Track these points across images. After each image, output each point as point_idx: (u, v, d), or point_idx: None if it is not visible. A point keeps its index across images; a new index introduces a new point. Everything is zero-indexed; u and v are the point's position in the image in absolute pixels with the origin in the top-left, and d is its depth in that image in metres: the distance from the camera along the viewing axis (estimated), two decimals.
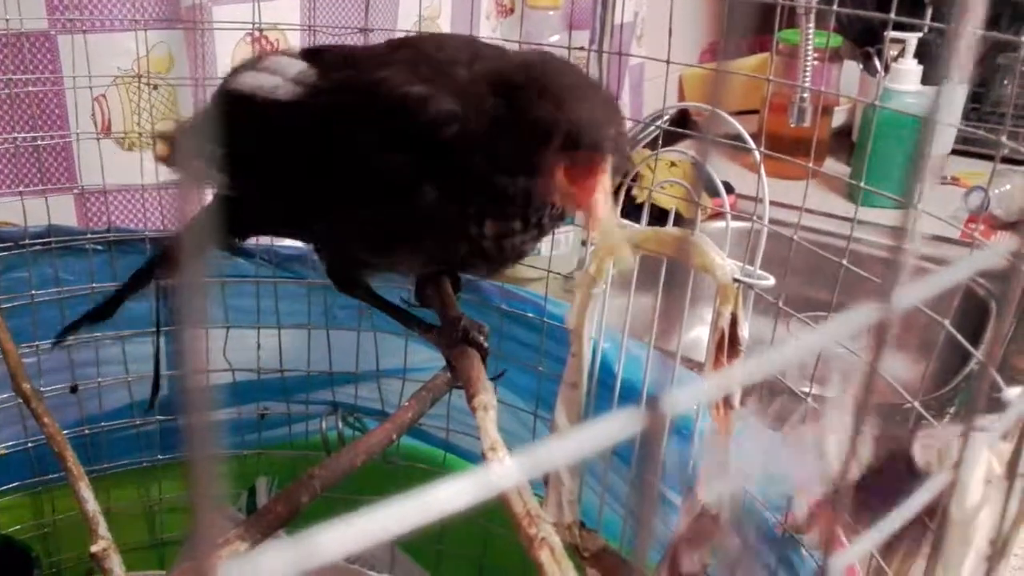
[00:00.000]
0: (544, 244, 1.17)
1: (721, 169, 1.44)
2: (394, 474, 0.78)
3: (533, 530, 0.43)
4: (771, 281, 0.59)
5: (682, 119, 1.58)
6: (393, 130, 0.47)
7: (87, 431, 0.76)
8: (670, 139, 1.28)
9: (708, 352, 0.62)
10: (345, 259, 0.57)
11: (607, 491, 0.72)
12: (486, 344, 0.54)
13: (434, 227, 0.49)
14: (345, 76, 0.50)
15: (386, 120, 0.48)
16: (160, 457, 0.80)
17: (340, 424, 0.81)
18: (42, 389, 0.71)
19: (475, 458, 0.68)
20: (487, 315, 0.73)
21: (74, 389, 0.72)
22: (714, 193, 1.37)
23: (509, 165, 0.46)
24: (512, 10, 1.17)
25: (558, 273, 0.73)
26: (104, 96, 0.83)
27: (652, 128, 1.20)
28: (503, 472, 0.16)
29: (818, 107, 1.43)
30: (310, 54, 0.53)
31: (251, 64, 0.54)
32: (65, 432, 0.73)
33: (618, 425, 0.14)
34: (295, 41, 1.00)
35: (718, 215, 1.35)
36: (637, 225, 0.66)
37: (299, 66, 0.52)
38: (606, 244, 0.53)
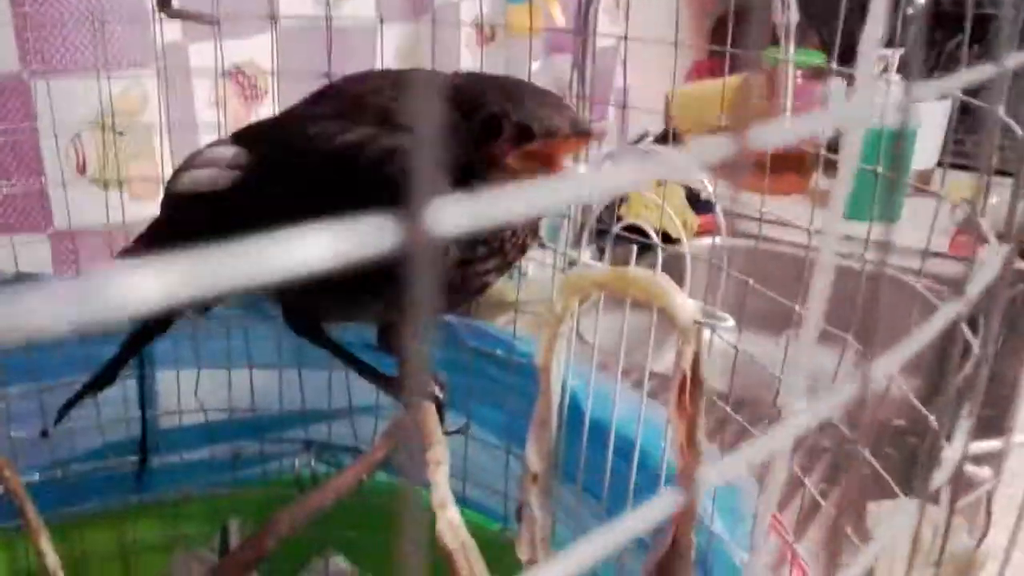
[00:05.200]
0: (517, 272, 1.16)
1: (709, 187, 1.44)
2: (366, 510, 0.77)
3: None
4: (730, 323, 0.59)
5: (668, 139, 1.58)
6: (334, 182, 0.47)
7: (59, 474, 0.76)
8: None
9: (671, 393, 0.62)
10: (303, 309, 0.57)
11: (581, 528, 0.72)
12: (441, 396, 0.54)
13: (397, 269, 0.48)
14: (273, 146, 0.50)
15: (326, 174, 0.48)
16: (134, 498, 0.80)
17: (314, 462, 0.81)
18: (12, 435, 0.71)
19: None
20: (455, 352, 0.72)
21: (44, 433, 0.72)
22: (701, 210, 1.37)
23: (462, 174, 0.46)
24: (492, 38, 1.17)
25: (527, 311, 0.72)
26: (79, 137, 0.83)
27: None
28: None
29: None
30: (240, 135, 0.54)
31: (189, 163, 0.55)
32: (37, 475, 0.74)
33: None
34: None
35: (701, 233, 1.35)
36: (599, 264, 0.66)
37: (231, 151, 0.52)
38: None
